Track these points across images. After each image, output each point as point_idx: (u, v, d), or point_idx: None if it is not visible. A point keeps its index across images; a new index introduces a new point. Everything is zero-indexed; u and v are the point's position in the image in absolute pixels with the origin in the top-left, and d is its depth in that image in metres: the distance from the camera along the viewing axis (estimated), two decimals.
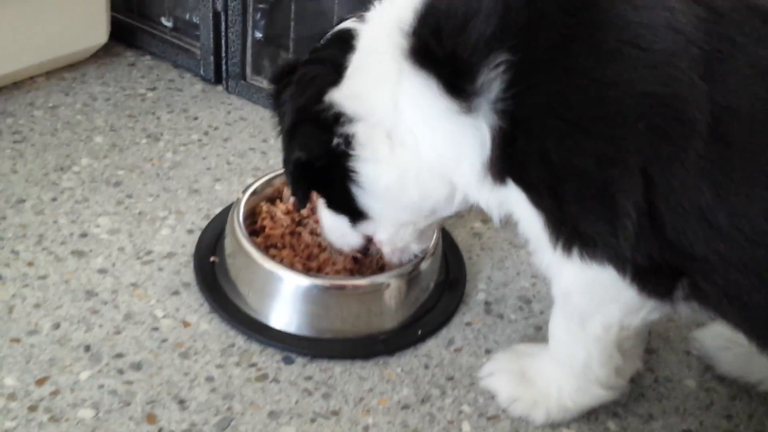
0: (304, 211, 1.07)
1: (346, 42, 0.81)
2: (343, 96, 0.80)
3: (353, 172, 0.82)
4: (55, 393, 0.85)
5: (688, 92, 0.67)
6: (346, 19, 0.85)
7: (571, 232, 0.73)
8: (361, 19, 0.83)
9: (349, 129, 0.80)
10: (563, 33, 0.70)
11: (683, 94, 0.67)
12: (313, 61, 0.84)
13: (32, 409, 0.82)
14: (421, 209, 0.86)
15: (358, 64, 0.80)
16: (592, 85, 0.69)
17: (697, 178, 0.67)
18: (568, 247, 0.74)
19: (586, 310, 0.79)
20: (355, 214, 0.88)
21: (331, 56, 0.82)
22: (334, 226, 0.93)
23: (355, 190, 0.84)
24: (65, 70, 1.46)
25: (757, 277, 0.68)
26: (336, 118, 0.80)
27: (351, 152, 0.81)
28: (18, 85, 1.39)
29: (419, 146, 0.79)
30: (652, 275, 0.73)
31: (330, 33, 0.85)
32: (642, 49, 0.68)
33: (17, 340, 0.90)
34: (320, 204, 0.93)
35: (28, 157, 1.22)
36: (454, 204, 0.84)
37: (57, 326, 0.93)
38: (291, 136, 0.84)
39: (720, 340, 0.97)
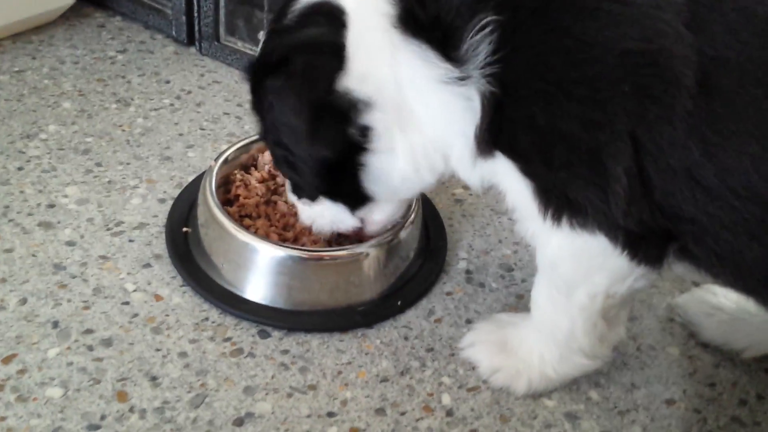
0: (280, 179, 1.04)
1: (335, 18, 0.74)
2: (353, 81, 0.74)
3: (366, 164, 0.79)
4: (22, 371, 0.82)
5: (674, 46, 0.64)
6: None
7: (561, 200, 0.71)
8: None
9: (365, 119, 0.75)
10: None
11: (669, 48, 0.64)
12: (310, 48, 0.75)
13: None
14: (425, 186, 0.84)
15: (355, 42, 0.74)
16: (575, 45, 0.66)
17: (685, 137, 0.65)
18: (557, 216, 0.72)
19: (572, 278, 0.77)
20: (358, 201, 0.85)
21: (327, 38, 0.75)
22: (326, 214, 0.89)
23: (366, 180, 0.81)
24: (32, 33, 1.40)
25: (747, 235, 0.66)
26: (351, 107, 0.75)
27: (367, 145, 0.77)
28: None
29: (423, 124, 0.76)
30: (642, 242, 0.71)
31: (304, 7, 0.77)
32: (623, 3, 0.65)
33: None
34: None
35: None
36: (445, 177, 0.82)
37: (24, 301, 0.90)
38: (312, 135, 0.76)
39: (703, 306, 0.95)
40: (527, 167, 0.71)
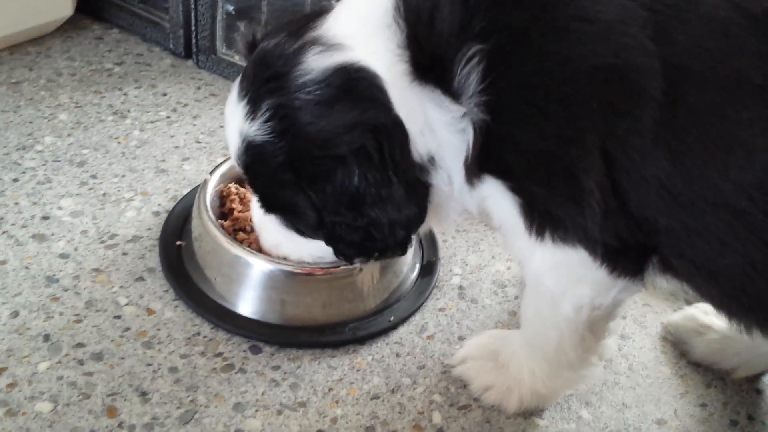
0: None
1: (376, 87, 0.72)
2: (420, 145, 0.74)
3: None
4: (12, 385, 0.82)
5: (640, 59, 0.65)
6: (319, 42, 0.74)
7: (543, 215, 0.72)
8: (342, 42, 0.73)
9: (430, 178, 0.77)
10: (523, 13, 0.68)
11: (634, 62, 0.65)
12: (378, 130, 0.72)
13: None
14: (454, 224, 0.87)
15: (400, 107, 0.72)
16: (550, 65, 0.68)
17: (654, 147, 0.66)
18: (540, 231, 0.73)
19: (556, 291, 0.77)
20: None
21: (386, 119, 0.72)
22: (321, 253, 0.88)
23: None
24: (30, 44, 1.41)
25: (719, 242, 0.67)
26: (424, 168, 0.76)
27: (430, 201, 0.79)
28: None
29: (449, 165, 0.76)
30: (621, 255, 0.72)
31: (329, 73, 0.72)
32: (589, 21, 0.67)
33: None
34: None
35: None
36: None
37: (15, 314, 0.90)
38: (405, 201, 0.75)
39: (694, 325, 0.96)
40: (515, 185, 0.72)
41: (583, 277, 0.74)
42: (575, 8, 0.67)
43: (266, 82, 0.75)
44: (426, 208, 0.78)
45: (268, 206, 0.83)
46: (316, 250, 0.87)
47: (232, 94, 0.79)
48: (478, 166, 0.73)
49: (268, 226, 0.88)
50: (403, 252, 0.84)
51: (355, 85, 0.72)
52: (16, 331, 0.87)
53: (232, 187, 1.05)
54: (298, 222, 0.82)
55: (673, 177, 0.66)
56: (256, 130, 0.75)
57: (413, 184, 0.75)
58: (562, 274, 0.75)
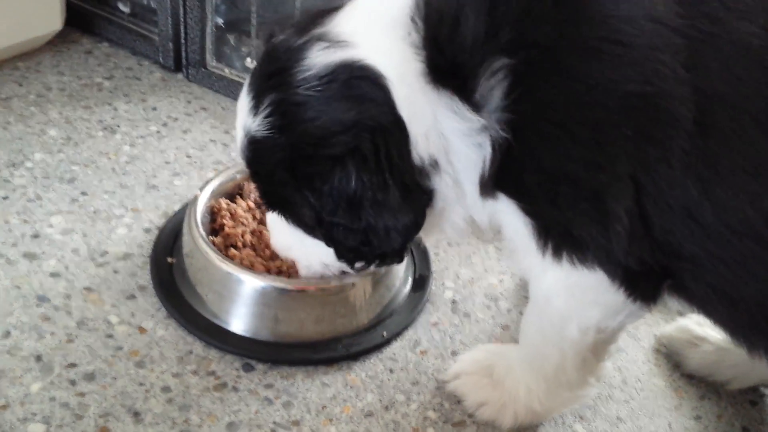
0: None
1: (379, 86, 0.70)
2: (420, 148, 0.72)
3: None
4: (4, 407, 0.81)
5: (673, 87, 0.65)
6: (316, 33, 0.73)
7: (563, 236, 0.71)
8: (348, 38, 0.71)
9: (431, 182, 0.75)
10: (552, 29, 0.67)
11: (667, 90, 0.65)
12: (376, 129, 0.70)
13: None
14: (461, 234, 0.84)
15: (405, 108, 0.71)
16: (580, 87, 0.67)
17: (683, 176, 0.66)
18: (557, 252, 0.72)
19: (565, 312, 0.77)
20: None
21: (387, 117, 0.70)
22: (327, 260, 0.87)
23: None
24: (19, 59, 1.40)
25: (744, 271, 0.67)
26: (425, 172, 0.74)
27: (431, 207, 0.77)
28: None
29: (460, 175, 0.75)
30: (641, 279, 0.72)
31: (331, 68, 0.71)
32: (622, 45, 0.66)
33: None
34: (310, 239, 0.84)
35: None
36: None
37: (7, 334, 0.89)
38: (401, 206, 0.73)
39: (688, 337, 0.96)
40: (529, 206, 0.72)
41: (594, 300, 0.74)
42: (608, 30, 0.66)
43: (270, 77, 0.74)
44: (424, 214, 0.77)
45: (270, 203, 0.83)
46: (324, 256, 0.84)
47: (243, 88, 0.78)
48: (493, 183, 0.72)
49: (278, 227, 0.87)
50: (401, 259, 0.83)
51: (357, 83, 0.70)
52: (7, 352, 0.87)
53: (223, 202, 1.05)
54: (297, 220, 0.81)
55: (700, 205, 0.66)
56: (258, 125, 0.74)
57: (411, 189, 0.73)
58: (574, 296, 0.75)
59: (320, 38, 0.72)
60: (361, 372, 0.91)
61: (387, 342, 0.95)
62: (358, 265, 0.83)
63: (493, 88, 0.68)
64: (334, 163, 0.71)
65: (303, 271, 0.92)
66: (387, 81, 0.70)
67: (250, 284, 0.92)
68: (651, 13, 0.66)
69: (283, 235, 0.87)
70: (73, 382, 0.85)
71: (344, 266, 0.86)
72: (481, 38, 0.67)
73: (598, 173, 0.67)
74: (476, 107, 0.69)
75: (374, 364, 0.92)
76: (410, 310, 1.00)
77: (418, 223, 0.76)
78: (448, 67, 0.69)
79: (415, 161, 0.73)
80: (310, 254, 0.88)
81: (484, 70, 0.67)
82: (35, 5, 1.36)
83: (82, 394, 0.83)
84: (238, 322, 0.93)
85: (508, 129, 0.68)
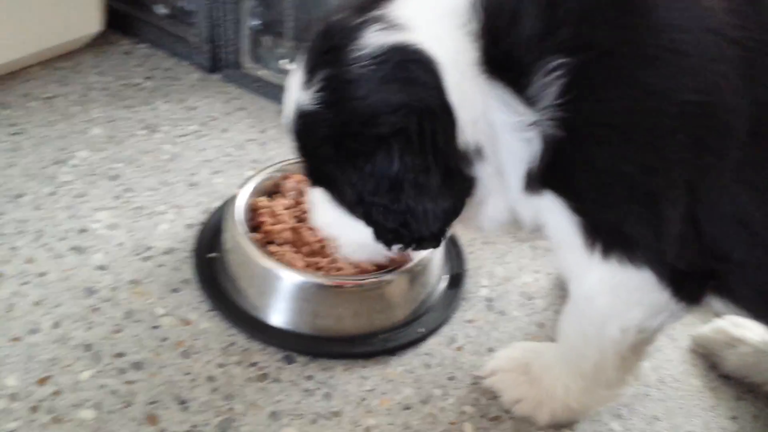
0: (305, 206, 1.06)
1: (430, 72, 0.71)
2: (466, 134, 0.73)
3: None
4: (56, 393, 0.84)
5: (730, 98, 0.66)
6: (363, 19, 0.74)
7: (613, 235, 0.72)
8: (404, 22, 0.72)
9: (473, 170, 0.76)
10: (611, 33, 0.68)
11: (724, 101, 0.66)
12: (423, 111, 0.71)
13: (34, 409, 0.82)
14: (500, 226, 0.84)
15: (455, 94, 0.71)
16: (637, 93, 0.68)
17: (735, 184, 0.67)
18: (607, 251, 0.73)
19: (607, 312, 0.77)
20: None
21: (435, 101, 0.71)
22: (371, 247, 0.86)
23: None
24: (60, 60, 1.44)
25: None
26: (467, 159, 0.75)
27: (473, 191, 0.78)
28: (13, 75, 1.37)
29: (505, 168, 0.76)
30: (687, 279, 0.73)
31: (383, 51, 0.71)
32: (682, 54, 0.67)
33: (17, 339, 0.89)
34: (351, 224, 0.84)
35: (25, 150, 1.20)
36: None
37: (57, 325, 0.92)
38: (441, 191, 0.74)
39: (725, 338, 0.96)
40: (578, 204, 0.73)
41: (639, 300, 0.75)
42: (668, 39, 0.67)
43: (324, 53, 0.75)
44: (463, 201, 0.77)
45: (314, 178, 0.83)
46: (363, 235, 0.83)
47: (297, 63, 0.79)
48: (540, 180, 0.73)
49: (321, 204, 0.87)
50: (438, 244, 0.83)
51: (408, 66, 0.71)
52: (58, 341, 0.90)
53: (263, 200, 1.07)
54: (339, 198, 0.82)
55: (751, 213, 0.68)
56: (309, 99, 0.75)
57: (453, 174, 0.74)
58: (619, 296, 0.75)
59: (377, 20, 0.73)
60: (398, 366, 0.93)
61: (423, 338, 0.97)
62: (395, 247, 0.83)
63: (548, 86, 0.68)
64: (379, 143, 0.72)
65: (341, 250, 0.92)
66: (439, 66, 0.71)
67: (290, 280, 0.94)
68: (709, 23, 0.67)
69: (325, 211, 0.87)
70: (121, 371, 0.87)
71: (382, 248, 0.85)
72: (540, 35, 0.68)
73: (653, 177, 0.69)
74: (529, 102, 0.70)
75: (411, 359, 0.94)
76: (446, 307, 1.01)
77: (456, 209, 0.77)
78: (504, 59, 0.70)
79: (460, 147, 0.73)
80: (349, 233, 0.88)
81: (540, 66, 0.68)
82: (76, 7, 1.39)
83: (130, 382, 0.86)
84: (278, 315, 0.95)
85: (561, 127, 0.69)
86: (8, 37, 1.31)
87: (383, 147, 0.72)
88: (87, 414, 0.82)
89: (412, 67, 0.71)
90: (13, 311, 0.93)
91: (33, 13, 1.32)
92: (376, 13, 0.73)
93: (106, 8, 1.46)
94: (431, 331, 0.98)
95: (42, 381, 0.85)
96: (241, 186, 1.05)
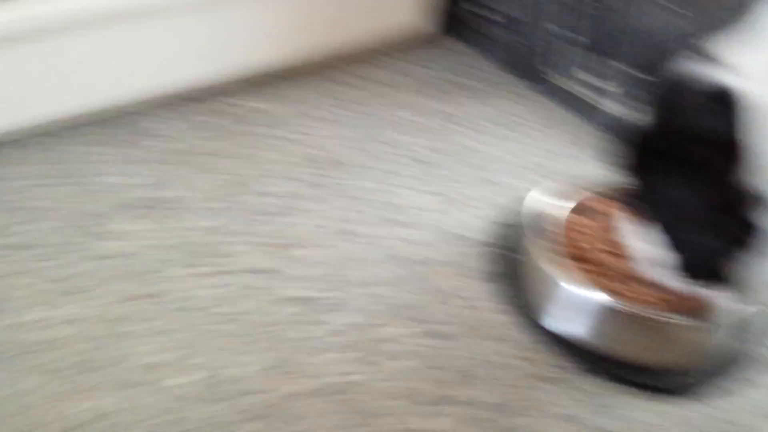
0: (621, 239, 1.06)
1: (732, 110, 0.70)
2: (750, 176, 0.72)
3: None
4: (382, 340, 0.96)
5: None
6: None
7: None
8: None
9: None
10: None
11: None
12: (713, 144, 0.72)
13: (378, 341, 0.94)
14: None
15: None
16: None
17: None
18: None
19: None
20: None
21: (727, 134, 0.70)
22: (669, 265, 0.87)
23: None
24: (396, 53, 1.59)
25: None
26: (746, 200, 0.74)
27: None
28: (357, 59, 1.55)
29: None
30: None
31: (708, 92, 0.72)
32: None
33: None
34: None
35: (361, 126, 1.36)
36: None
37: (365, 284, 1.05)
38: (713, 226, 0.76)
39: None
40: None
41: None
42: None
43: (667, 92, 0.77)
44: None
45: (638, 190, 0.84)
46: (666, 258, 0.83)
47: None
48: None
49: (640, 231, 0.89)
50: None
51: (716, 101, 0.71)
52: (369, 297, 1.03)
53: (576, 216, 1.09)
54: (655, 215, 0.82)
55: None
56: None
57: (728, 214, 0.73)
58: None
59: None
60: (692, 412, 0.91)
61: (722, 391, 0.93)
62: (697, 281, 0.82)
63: None
64: (717, 173, 0.72)
65: (642, 267, 0.92)
66: (742, 104, 0.70)
67: (587, 298, 0.96)
68: None
69: (645, 237, 0.88)
70: (433, 336, 0.97)
71: (681, 275, 0.85)
72: None
73: None
74: None
75: (702, 408, 0.92)
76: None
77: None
78: None
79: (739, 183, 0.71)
80: (654, 251, 0.87)
81: None
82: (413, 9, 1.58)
83: (446, 348, 0.96)
84: (568, 325, 0.98)
85: None
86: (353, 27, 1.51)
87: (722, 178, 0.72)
88: (407, 364, 0.93)
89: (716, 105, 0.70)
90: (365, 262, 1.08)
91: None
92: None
93: (443, 12, 1.62)
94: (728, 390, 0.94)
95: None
96: (553, 198, 1.09)
